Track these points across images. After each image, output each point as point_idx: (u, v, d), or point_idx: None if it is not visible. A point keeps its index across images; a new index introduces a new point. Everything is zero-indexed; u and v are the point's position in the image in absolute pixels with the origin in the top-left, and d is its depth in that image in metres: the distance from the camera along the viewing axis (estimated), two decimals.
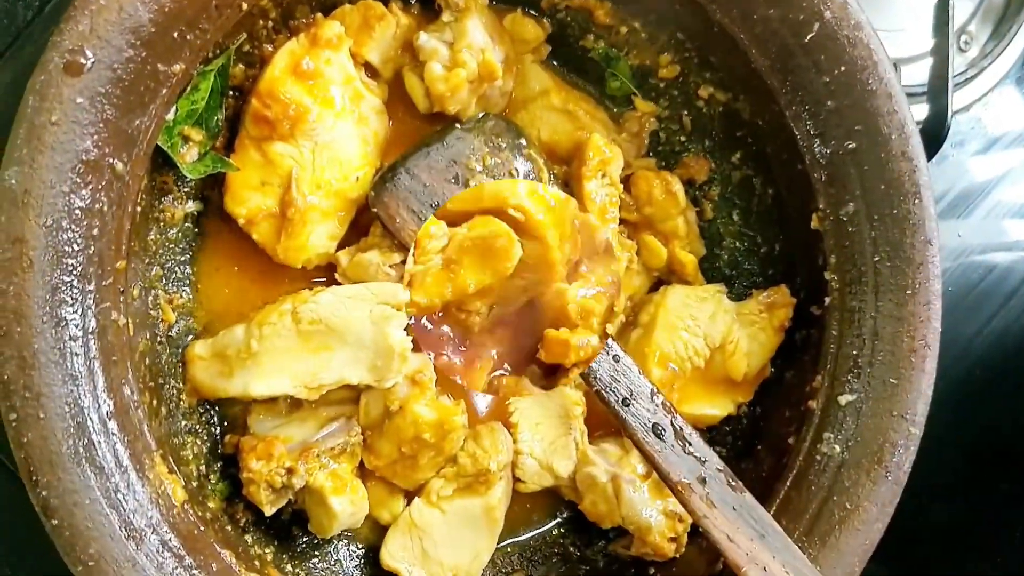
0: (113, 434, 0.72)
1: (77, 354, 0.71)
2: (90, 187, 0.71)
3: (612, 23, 0.94)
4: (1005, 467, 1.26)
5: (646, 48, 0.94)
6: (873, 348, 0.85)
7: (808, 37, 0.83)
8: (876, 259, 0.85)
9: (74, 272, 0.70)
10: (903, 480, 0.84)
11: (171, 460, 0.78)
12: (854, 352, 0.86)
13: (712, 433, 0.98)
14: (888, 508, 0.84)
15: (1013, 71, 1.24)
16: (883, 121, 0.83)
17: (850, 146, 0.84)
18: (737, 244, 0.98)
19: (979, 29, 1.22)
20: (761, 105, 0.89)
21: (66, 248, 0.70)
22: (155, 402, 0.79)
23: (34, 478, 0.69)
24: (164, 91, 0.74)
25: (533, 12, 0.95)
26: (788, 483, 0.87)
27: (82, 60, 0.69)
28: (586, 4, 0.93)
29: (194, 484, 0.82)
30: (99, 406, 0.71)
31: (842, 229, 0.86)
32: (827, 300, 0.87)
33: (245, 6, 0.77)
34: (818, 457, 0.86)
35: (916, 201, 0.84)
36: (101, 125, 0.71)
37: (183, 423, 0.85)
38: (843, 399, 0.86)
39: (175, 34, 0.73)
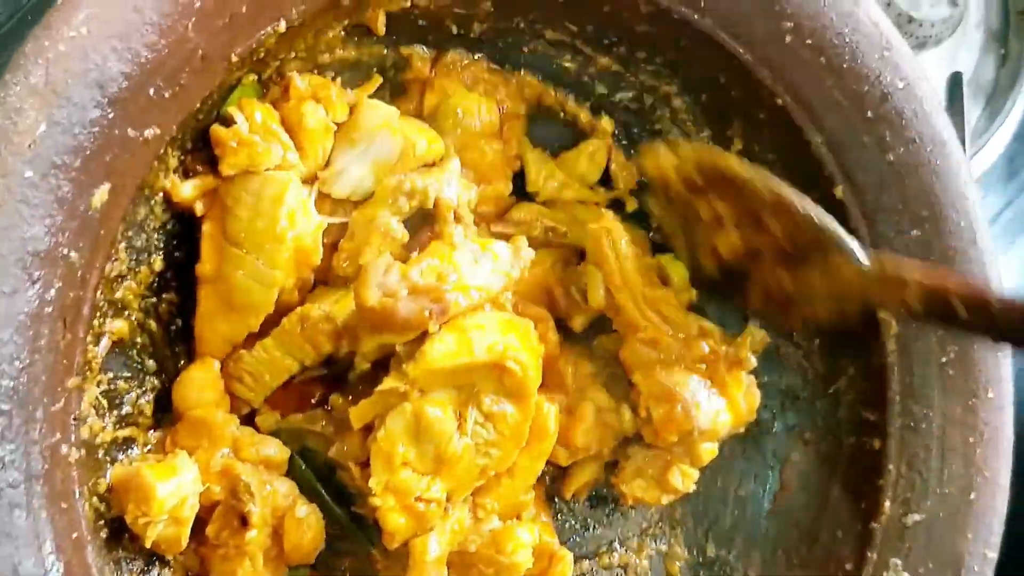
0: None
1: (17, 505, 0.53)
2: (38, 285, 0.54)
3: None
4: None
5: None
6: (943, 459, 0.75)
7: (873, 111, 0.74)
8: (942, 360, 0.75)
9: (14, 398, 0.53)
10: None
11: None
12: (920, 464, 0.76)
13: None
14: None
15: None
16: (952, 207, 0.74)
17: (914, 234, 0.75)
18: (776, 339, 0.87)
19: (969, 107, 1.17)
20: (808, 187, 0.79)
21: (4, 367, 0.53)
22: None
23: None
24: (132, 161, 0.58)
25: None
26: None
27: (33, 122, 0.53)
28: None
29: None
30: (47, 572, 0.54)
31: (906, 327, 0.76)
32: (892, 406, 0.77)
33: (235, 58, 0.62)
34: None
35: None
36: (55, 205, 0.54)
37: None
38: (910, 519, 0.75)
39: (151, 91, 0.58)
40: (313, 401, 0.77)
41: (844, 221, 0.76)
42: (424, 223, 0.75)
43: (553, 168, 0.82)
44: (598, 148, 0.83)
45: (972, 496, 0.74)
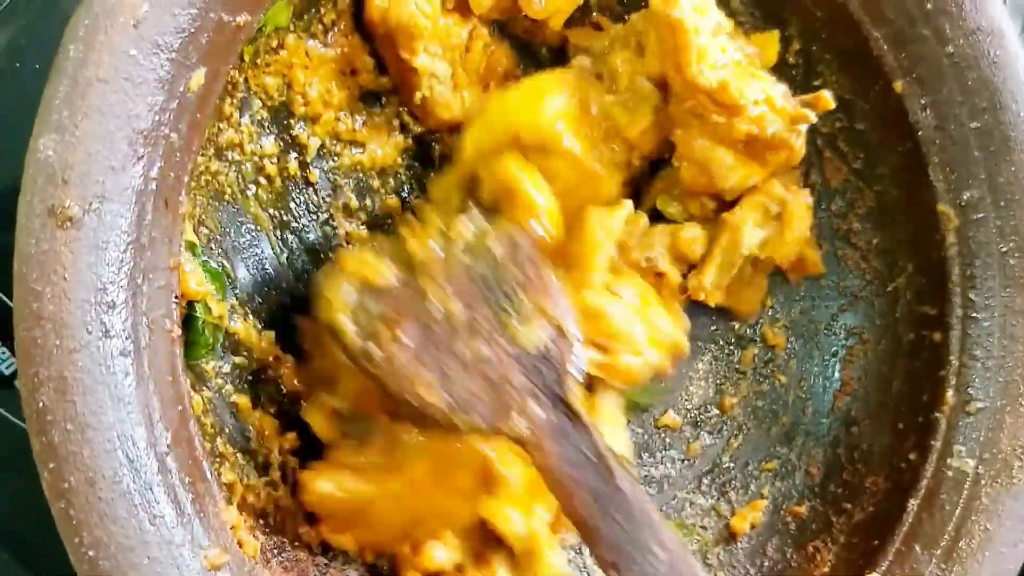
0: (172, 475, 0.57)
1: (128, 373, 0.55)
2: (143, 163, 0.56)
3: None
4: None
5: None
6: (1004, 348, 0.77)
7: (932, 2, 0.75)
8: (1003, 249, 0.76)
9: (123, 269, 0.55)
10: None
11: (238, 501, 0.63)
12: (982, 353, 0.77)
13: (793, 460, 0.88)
14: None
15: None
16: (1012, 98, 0.75)
17: (974, 126, 0.76)
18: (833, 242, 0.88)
19: None
20: (866, 83, 0.80)
21: (113, 238, 0.55)
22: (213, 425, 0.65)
23: (79, 535, 0.53)
24: (225, 46, 0.60)
25: None
26: (917, 505, 0.77)
27: (137, 2, 0.55)
28: None
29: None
30: (155, 439, 0.56)
31: (964, 217, 0.77)
32: (952, 297, 0.78)
33: None
34: (949, 473, 0.76)
35: None
36: (156, 85, 0.56)
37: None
38: (973, 406, 0.76)
39: None
40: None
41: (904, 115, 0.78)
42: None
43: None
44: None
45: None
